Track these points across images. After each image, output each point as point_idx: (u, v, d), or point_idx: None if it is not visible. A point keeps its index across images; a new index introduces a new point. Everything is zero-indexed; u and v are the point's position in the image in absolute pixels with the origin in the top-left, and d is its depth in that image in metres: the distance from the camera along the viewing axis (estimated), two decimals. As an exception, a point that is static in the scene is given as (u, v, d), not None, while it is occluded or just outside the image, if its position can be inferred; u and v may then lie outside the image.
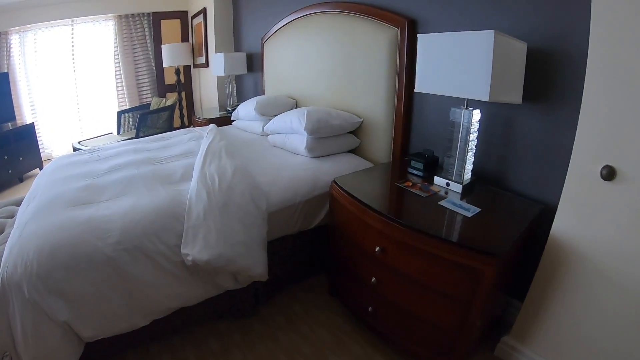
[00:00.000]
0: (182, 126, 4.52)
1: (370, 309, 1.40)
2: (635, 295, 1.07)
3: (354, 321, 1.61)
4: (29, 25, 3.89)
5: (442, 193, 1.43)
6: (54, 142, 4.45)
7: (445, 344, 1.20)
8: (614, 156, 1.07)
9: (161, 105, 4.20)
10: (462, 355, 1.20)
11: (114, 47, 4.42)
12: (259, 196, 1.48)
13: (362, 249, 1.38)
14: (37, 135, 3.88)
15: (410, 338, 1.31)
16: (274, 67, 2.89)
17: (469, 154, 1.41)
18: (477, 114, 1.36)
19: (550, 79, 1.30)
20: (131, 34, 4.44)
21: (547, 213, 1.30)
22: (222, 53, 3.22)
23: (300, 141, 1.90)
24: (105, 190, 1.58)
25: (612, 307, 1.13)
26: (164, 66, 4.42)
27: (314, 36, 2.33)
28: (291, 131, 1.98)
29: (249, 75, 3.52)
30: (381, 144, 1.94)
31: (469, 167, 1.43)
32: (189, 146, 2.16)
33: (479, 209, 1.28)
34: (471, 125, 1.36)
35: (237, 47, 3.76)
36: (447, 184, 1.46)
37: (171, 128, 4.03)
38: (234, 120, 2.85)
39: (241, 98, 3.70)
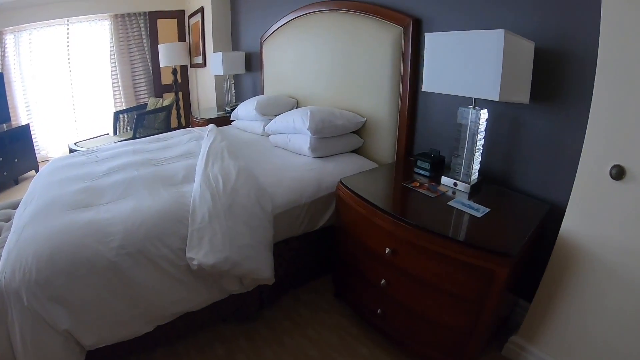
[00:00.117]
0: (180, 126, 4.45)
1: (379, 310, 1.37)
2: (644, 294, 1.06)
3: (360, 323, 1.57)
4: (23, 25, 3.80)
5: (449, 193, 1.41)
6: (49, 144, 4.35)
7: (456, 345, 1.18)
8: (623, 156, 1.06)
9: (158, 106, 4.14)
10: (473, 356, 1.18)
11: (110, 46, 4.34)
12: (264, 198, 1.44)
13: (371, 250, 1.35)
14: (33, 136, 3.80)
15: (420, 340, 1.29)
16: (273, 67, 2.84)
17: (476, 153, 1.39)
18: (484, 114, 1.34)
19: (557, 78, 1.29)
20: (127, 33, 4.36)
21: (555, 212, 1.29)
22: (221, 52, 3.17)
23: (303, 141, 1.86)
24: (104, 192, 1.53)
25: (620, 306, 1.12)
26: (160, 66, 4.34)
27: (315, 35, 2.29)
28: (294, 131, 1.94)
29: (248, 74, 3.48)
30: (385, 143, 1.91)
31: (476, 166, 1.41)
32: (189, 147, 2.11)
33: (488, 209, 1.26)
34: (479, 124, 1.35)
35: (235, 47, 3.71)
36: (455, 184, 1.44)
37: (168, 128, 3.97)
38: (233, 121, 2.80)
39: (239, 98, 3.65)
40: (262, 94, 3.08)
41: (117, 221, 1.27)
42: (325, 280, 1.84)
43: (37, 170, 3.82)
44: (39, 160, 3.92)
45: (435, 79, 1.35)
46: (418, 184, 1.49)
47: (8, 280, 1.10)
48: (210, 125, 2.40)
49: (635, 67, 1.00)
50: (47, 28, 3.98)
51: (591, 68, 1.13)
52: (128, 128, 4.47)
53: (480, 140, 1.38)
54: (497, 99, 1.15)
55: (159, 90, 4.72)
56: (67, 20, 4.04)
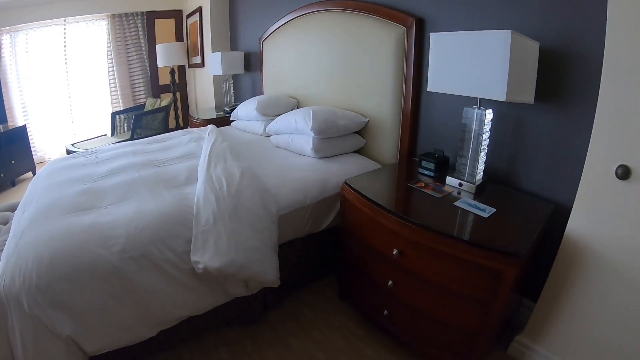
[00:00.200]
0: (178, 127, 4.40)
1: (385, 312, 1.36)
2: (650, 294, 1.06)
3: (366, 324, 1.56)
4: (20, 25, 3.73)
5: (454, 193, 1.40)
6: (46, 145, 4.29)
7: (464, 345, 1.18)
8: (629, 156, 1.06)
9: (156, 106, 4.08)
10: (480, 357, 1.17)
11: (107, 47, 4.28)
12: (269, 199, 1.42)
13: (378, 251, 1.33)
14: (29, 137, 3.73)
15: (427, 340, 1.28)
16: (273, 67, 2.81)
17: (481, 153, 1.38)
18: (489, 114, 1.33)
19: (561, 78, 1.28)
20: (125, 33, 4.30)
21: (559, 212, 1.29)
22: (220, 52, 3.13)
23: (305, 142, 1.84)
24: (105, 195, 1.50)
25: (625, 305, 1.12)
26: (158, 66, 4.29)
27: (316, 35, 2.27)
28: (296, 131, 1.91)
29: (247, 74, 3.44)
30: (387, 144, 1.89)
31: (480, 167, 1.40)
32: (190, 148, 2.08)
33: (494, 209, 1.25)
34: (484, 125, 1.34)
35: (234, 47, 3.67)
36: (460, 184, 1.43)
37: (166, 129, 3.92)
38: (233, 121, 2.77)
39: (238, 98, 3.61)
40: (262, 94, 3.05)
41: (119, 224, 1.23)
42: (329, 281, 1.82)
43: (34, 172, 3.76)
44: (35, 162, 3.86)
45: (440, 79, 1.34)
46: (423, 185, 1.47)
47: (8, 285, 1.07)
48: (210, 126, 2.37)
49: (641, 69, 1.00)
50: (44, 28, 3.91)
51: (596, 68, 1.13)
52: (125, 129, 4.41)
53: (485, 140, 1.36)
54: (503, 99, 1.14)
55: (156, 90, 4.66)
56: (64, 20, 3.97)
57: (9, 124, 3.74)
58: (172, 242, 1.22)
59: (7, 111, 3.71)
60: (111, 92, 4.45)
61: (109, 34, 4.22)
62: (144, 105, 4.31)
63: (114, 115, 4.14)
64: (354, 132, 1.96)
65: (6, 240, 1.57)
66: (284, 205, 1.47)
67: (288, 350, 1.44)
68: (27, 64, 3.96)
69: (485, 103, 1.31)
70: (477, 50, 1.18)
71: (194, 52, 4.19)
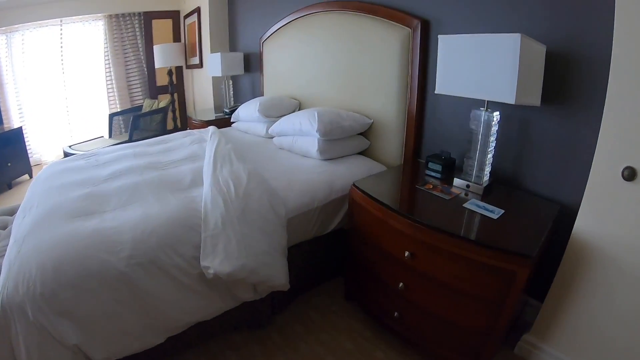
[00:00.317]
0: (175, 128, 4.34)
1: (396, 313, 1.35)
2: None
3: (373, 326, 1.54)
4: (16, 26, 3.63)
5: (462, 195, 1.39)
6: (42, 147, 4.19)
7: (474, 346, 1.17)
8: (635, 157, 1.06)
9: (154, 107, 4.02)
10: (489, 356, 1.17)
11: (104, 47, 4.19)
12: (277, 202, 1.39)
13: (388, 253, 1.31)
14: (25, 139, 3.65)
15: (438, 342, 1.27)
16: (274, 68, 2.77)
17: (488, 155, 1.38)
18: (496, 116, 1.33)
19: (566, 81, 1.28)
20: (122, 34, 4.22)
21: (564, 213, 1.29)
22: (219, 53, 3.08)
23: (310, 143, 1.81)
24: (108, 198, 1.45)
25: (631, 304, 1.12)
26: (156, 67, 4.23)
27: (318, 35, 2.24)
28: (300, 133, 1.88)
29: (246, 75, 3.40)
30: (392, 145, 1.87)
31: (487, 168, 1.40)
32: (192, 149, 2.04)
33: (503, 211, 1.25)
34: (491, 127, 1.34)
35: (233, 47, 3.63)
36: (468, 186, 1.42)
37: (164, 130, 3.86)
38: (233, 122, 2.73)
39: (238, 99, 3.57)
40: (262, 95, 3.01)
41: (125, 229, 1.19)
42: (335, 283, 1.80)
43: (30, 175, 3.67)
44: (32, 164, 3.77)
45: (448, 81, 1.34)
46: (431, 186, 1.46)
47: (11, 294, 1.03)
48: (211, 127, 2.33)
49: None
50: (40, 28, 3.82)
51: (601, 71, 1.15)
52: (123, 130, 4.34)
53: (492, 142, 1.36)
54: (513, 102, 1.14)
55: (154, 91, 4.59)
56: (61, 21, 3.88)
57: (5, 125, 3.64)
58: (181, 247, 1.18)
59: (2, 113, 3.62)
60: (108, 93, 4.37)
61: (105, 35, 4.14)
62: (141, 106, 4.24)
63: (111, 116, 4.07)
64: (358, 134, 1.94)
65: (6, 246, 1.52)
66: (292, 208, 1.44)
67: (297, 354, 1.41)
68: (23, 65, 3.86)
69: (491, 105, 1.30)
70: (486, 52, 1.18)
71: (191, 53, 4.13)
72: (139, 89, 4.52)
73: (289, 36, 2.53)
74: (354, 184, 1.46)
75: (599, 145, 1.13)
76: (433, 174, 1.56)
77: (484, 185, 1.39)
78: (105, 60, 4.24)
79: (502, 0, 1.41)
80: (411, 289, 1.27)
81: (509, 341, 1.40)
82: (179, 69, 4.55)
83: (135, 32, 4.29)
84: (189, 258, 1.18)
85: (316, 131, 1.73)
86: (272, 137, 2.20)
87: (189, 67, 4.34)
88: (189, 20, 4.03)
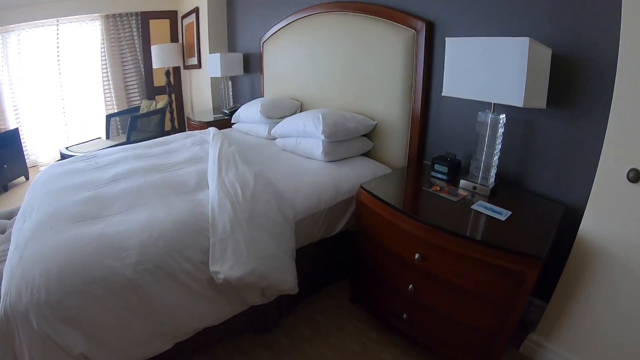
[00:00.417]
0: (173, 129, 4.28)
1: (405, 315, 1.34)
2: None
3: (380, 328, 1.53)
4: (12, 26, 3.54)
5: (469, 197, 1.38)
6: (39, 148, 4.10)
7: (483, 346, 1.18)
8: None
9: (151, 108, 3.95)
10: (498, 356, 1.17)
11: (101, 48, 4.11)
12: (285, 205, 1.36)
13: (397, 255, 1.30)
14: (22, 141, 3.56)
15: (446, 342, 1.27)
16: (275, 68, 2.74)
17: (494, 157, 1.38)
18: (503, 118, 1.33)
19: (571, 83, 1.28)
20: (119, 34, 4.15)
21: (569, 214, 1.30)
22: (219, 53, 3.04)
23: (315, 145, 1.79)
24: (112, 202, 1.41)
25: (636, 304, 1.13)
26: (153, 67, 4.16)
27: (321, 36, 2.21)
28: (304, 135, 1.86)
29: (246, 76, 3.36)
30: (396, 147, 1.85)
31: (493, 170, 1.40)
32: (194, 151, 2.00)
33: (510, 212, 1.24)
34: (498, 129, 1.34)
35: (232, 48, 3.58)
36: (474, 188, 1.41)
37: (162, 131, 3.80)
38: (233, 124, 2.69)
39: (237, 100, 3.53)
40: (262, 96, 2.98)
41: (131, 234, 1.16)
42: (339, 285, 1.78)
43: (27, 177, 3.59)
44: (28, 166, 3.69)
45: (456, 84, 1.34)
46: (438, 188, 1.45)
47: (14, 302, 0.99)
48: (212, 129, 2.29)
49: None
50: (37, 28, 3.73)
51: (606, 73, 1.16)
52: (120, 132, 4.27)
53: (498, 144, 1.36)
54: (521, 105, 1.14)
55: (151, 92, 4.52)
56: (57, 21, 3.80)
57: (0, 127, 3.56)
58: (188, 251, 1.15)
59: (-2, 114, 3.54)
60: (105, 94, 4.29)
61: (102, 35, 4.06)
62: (138, 107, 4.17)
63: (108, 117, 3.99)
64: (361, 135, 1.92)
65: (6, 251, 1.48)
66: (299, 210, 1.42)
67: (305, 357, 1.40)
68: (19, 65, 3.77)
69: (496, 107, 1.30)
70: (494, 56, 1.18)
71: (189, 53, 4.08)
72: (136, 90, 4.45)
73: (290, 37, 2.49)
74: (361, 186, 1.44)
75: (605, 148, 1.14)
76: (439, 175, 1.55)
77: (490, 187, 1.38)
78: (102, 60, 4.16)
79: (506, 3, 1.41)
80: (421, 290, 1.26)
81: (514, 341, 1.40)
82: (176, 70, 4.49)
83: (132, 33, 4.21)
84: (197, 263, 1.16)
85: (321, 133, 1.71)
86: (274, 139, 2.18)
87: (186, 67, 4.28)
88: (187, 21, 3.97)
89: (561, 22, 1.27)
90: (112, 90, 4.28)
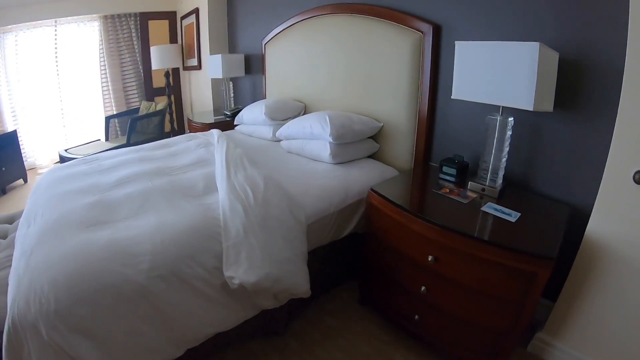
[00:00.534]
0: (173, 131, 4.22)
1: (416, 317, 1.33)
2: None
3: (390, 329, 1.51)
4: (9, 26, 3.44)
5: (478, 199, 1.37)
6: (37, 151, 3.99)
7: (494, 345, 1.18)
8: None
9: (151, 110, 3.88)
10: (508, 356, 1.18)
11: (100, 49, 4.02)
12: (297, 208, 1.33)
13: (410, 257, 1.29)
14: (20, 143, 3.47)
15: (458, 343, 1.26)
16: (277, 70, 2.69)
17: (502, 159, 1.37)
18: (511, 121, 1.33)
19: (577, 87, 1.29)
20: (117, 35, 4.06)
21: (575, 215, 1.31)
22: (220, 55, 2.99)
23: (322, 147, 1.76)
24: (119, 207, 1.37)
25: None
26: (152, 68, 4.08)
27: (325, 38, 2.18)
28: (310, 137, 1.83)
29: (247, 77, 3.31)
30: (402, 149, 1.83)
31: (501, 172, 1.39)
32: (199, 154, 1.95)
33: (519, 214, 1.24)
34: (506, 132, 1.34)
35: (232, 49, 3.53)
36: (483, 190, 1.41)
37: (162, 133, 3.74)
38: (236, 125, 2.65)
39: (238, 101, 3.48)
40: (263, 97, 2.94)
41: (142, 240, 1.12)
42: (347, 287, 1.76)
43: (25, 179, 3.50)
44: (26, 168, 3.60)
45: (465, 87, 1.33)
46: (448, 190, 1.43)
47: (22, 312, 0.95)
48: (215, 131, 2.25)
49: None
50: (34, 29, 3.63)
51: (613, 77, 1.16)
52: (119, 133, 4.18)
53: (506, 147, 1.36)
54: (531, 109, 1.14)
55: (150, 93, 4.44)
56: (55, 22, 3.70)
57: (-3, 129, 3.47)
58: (202, 257, 1.12)
59: (-5, 116, 3.44)
60: (104, 95, 4.20)
61: (101, 36, 3.97)
62: (137, 109, 4.09)
63: (108, 119, 3.92)
64: (367, 137, 1.90)
65: (9, 256, 1.43)
66: (310, 213, 1.39)
67: (316, 361, 1.37)
68: (16, 67, 3.66)
69: (504, 110, 1.30)
70: (504, 60, 1.18)
71: (189, 55, 4.01)
72: (135, 91, 4.37)
73: (293, 38, 2.46)
74: (372, 189, 1.42)
75: (612, 150, 1.15)
76: (447, 177, 1.54)
77: (499, 188, 1.38)
78: (101, 61, 4.07)
79: (511, 7, 1.40)
80: (433, 292, 1.26)
81: (521, 340, 1.40)
82: (175, 71, 4.42)
83: (131, 33, 4.13)
84: (210, 268, 1.12)
85: (329, 135, 1.68)
86: (279, 141, 2.14)
87: (186, 68, 4.22)
88: (186, 22, 3.91)
89: (567, 25, 1.27)
90: (110, 92, 4.19)
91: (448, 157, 1.59)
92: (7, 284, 1.18)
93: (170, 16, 4.23)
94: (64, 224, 1.25)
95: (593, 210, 1.21)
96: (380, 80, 1.87)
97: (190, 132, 3.15)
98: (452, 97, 1.37)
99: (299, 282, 1.23)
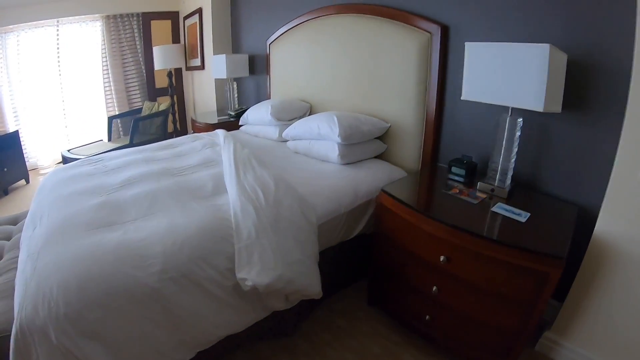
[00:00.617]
0: (175, 131, 4.17)
1: (427, 317, 1.31)
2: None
3: (399, 330, 1.49)
4: (11, 26, 3.38)
5: (487, 199, 1.36)
6: (39, 151, 3.93)
7: (505, 345, 1.17)
8: None
9: (154, 110, 3.83)
10: (518, 355, 1.16)
11: (102, 49, 3.97)
12: (308, 209, 1.30)
13: (421, 258, 1.27)
14: (22, 143, 3.41)
15: (468, 342, 1.25)
16: (282, 70, 2.66)
17: (511, 160, 1.36)
18: (520, 122, 1.32)
19: (585, 88, 1.28)
20: (120, 35, 4.01)
21: (583, 215, 1.31)
22: (224, 55, 2.95)
23: (330, 148, 1.73)
24: (127, 208, 1.33)
25: None
26: (155, 69, 4.03)
27: (331, 38, 2.14)
28: (318, 137, 1.80)
29: (251, 78, 3.27)
30: (409, 149, 1.80)
31: (510, 172, 1.38)
32: (206, 154, 1.92)
33: (529, 214, 1.23)
34: (515, 132, 1.32)
35: (236, 49, 3.49)
36: (492, 190, 1.39)
37: (165, 134, 3.69)
38: (241, 125, 2.61)
39: (242, 102, 3.45)
40: (268, 98, 2.90)
41: (153, 242, 1.09)
42: (355, 288, 1.73)
43: (27, 180, 3.45)
44: (28, 169, 3.55)
45: (475, 88, 1.32)
46: (458, 191, 1.41)
47: (30, 316, 0.91)
48: (221, 131, 2.21)
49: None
50: (36, 29, 3.56)
51: (621, 79, 1.16)
52: (121, 134, 4.14)
53: (515, 147, 1.35)
54: (541, 110, 1.14)
55: (152, 94, 4.39)
56: (57, 21, 3.64)
57: (0, 130, 3.41)
58: (214, 258, 1.09)
59: (-3, 116, 3.38)
60: (106, 95, 4.14)
61: (103, 36, 3.91)
62: (140, 109, 4.04)
63: (110, 119, 3.87)
64: (374, 138, 1.87)
65: (14, 258, 1.39)
66: (321, 214, 1.36)
67: (327, 362, 1.35)
68: (18, 67, 3.60)
69: (513, 111, 1.29)
70: (514, 61, 1.18)
71: (192, 55, 3.97)
72: (138, 92, 4.32)
73: (299, 38, 2.42)
74: (383, 190, 1.39)
75: (620, 151, 1.15)
76: (456, 178, 1.52)
77: (507, 189, 1.37)
78: (103, 61, 4.02)
79: (519, 8, 1.39)
80: (444, 292, 1.24)
81: (529, 339, 1.39)
82: (177, 71, 4.37)
83: (133, 33, 4.08)
84: (222, 270, 1.09)
85: (337, 135, 1.65)
86: (285, 141, 2.11)
87: (188, 69, 4.17)
88: (189, 22, 3.86)
89: (575, 27, 1.26)
90: (113, 92, 4.14)
91: (457, 158, 1.57)
92: (13, 287, 1.15)
93: (172, 16, 4.18)
94: (71, 226, 1.21)
95: (601, 210, 1.20)
96: (386, 80, 1.85)
97: (194, 132, 3.11)
98: (461, 98, 1.35)
99: (311, 284, 1.20)
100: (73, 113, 4.07)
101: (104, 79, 4.08)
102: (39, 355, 0.90)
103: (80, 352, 0.92)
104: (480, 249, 1.10)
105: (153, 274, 1.00)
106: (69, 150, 3.29)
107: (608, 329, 1.23)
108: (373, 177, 1.62)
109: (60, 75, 3.88)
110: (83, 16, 3.70)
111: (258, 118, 2.35)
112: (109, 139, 3.83)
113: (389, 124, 1.86)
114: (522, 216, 1.22)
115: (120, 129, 4.14)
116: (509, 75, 1.19)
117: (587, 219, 1.27)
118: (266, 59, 2.85)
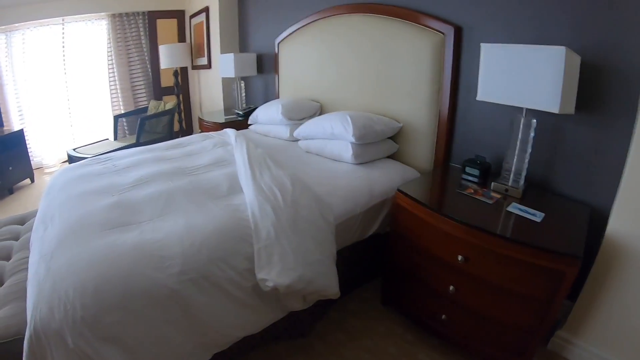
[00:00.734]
0: (182, 130, 4.11)
1: (443, 316, 1.29)
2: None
3: (414, 329, 1.46)
4: (16, 25, 3.30)
5: (501, 199, 1.33)
6: (44, 150, 3.86)
7: (520, 343, 1.16)
8: None
9: (160, 109, 3.76)
10: (533, 353, 1.15)
11: (108, 47, 3.90)
12: (325, 209, 1.26)
13: (439, 258, 1.25)
14: (27, 142, 3.35)
15: (484, 341, 1.23)
16: (291, 69, 2.60)
17: (525, 160, 1.34)
18: (534, 123, 1.30)
19: (598, 90, 1.26)
20: (125, 34, 3.94)
21: (594, 215, 1.29)
22: (232, 54, 2.89)
23: (343, 147, 1.68)
24: (141, 208, 1.28)
25: None
26: (161, 67, 3.97)
27: (341, 38, 2.10)
28: (331, 137, 1.75)
29: (259, 77, 3.21)
30: (422, 150, 1.76)
31: (524, 173, 1.36)
32: (218, 154, 1.86)
33: (543, 214, 1.21)
34: (529, 133, 1.31)
35: (243, 48, 3.43)
36: (506, 190, 1.36)
37: (172, 133, 3.64)
38: (250, 125, 2.56)
39: (250, 101, 3.39)
40: (276, 97, 2.85)
41: (171, 242, 1.04)
42: (368, 288, 1.69)
43: (32, 179, 3.38)
44: (33, 168, 3.47)
45: (490, 89, 1.30)
46: (472, 191, 1.38)
47: (46, 319, 0.87)
48: (231, 130, 2.16)
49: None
50: (42, 28, 3.49)
51: (634, 81, 1.15)
52: (127, 133, 4.07)
53: (529, 148, 1.32)
54: (557, 112, 1.12)
55: (158, 93, 4.32)
56: (63, 20, 3.57)
57: (5, 128, 3.33)
58: (233, 259, 1.05)
59: (2, 115, 3.30)
60: (111, 94, 4.07)
61: (109, 34, 3.84)
62: (146, 108, 3.97)
63: (116, 118, 3.80)
64: (387, 138, 1.83)
65: (24, 259, 1.34)
66: (338, 214, 1.32)
67: (343, 363, 1.31)
68: (23, 65, 3.52)
69: (527, 112, 1.27)
70: (530, 63, 1.16)
71: (198, 54, 3.90)
72: (143, 90, 4.25)
73: (308, 37, 2.37)
74: (399, 189, 1.36)
75: (632, 152, 1.14)
76: (470, 178, 1.49)
77: (521, 189, 1.34)
78: (109, 60, 3.95)
79: (532, 10, 1.36)
80: (462, 291, 1.22)
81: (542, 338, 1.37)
82: (183, 70, 4.30)
83: (139, 32, 4.01)
84: (241, 270, 1.05)
85: (352, 135, 1.61)
86: (295, 140, 2.07)
87: (195, 67, 4.11)
88: (195, 20, 3.80)
89: (587, 29, 1.25)
90: (118, 91, 4.07)
91: (470, 158, 1.54)
92: (24, 289, 1.10)
93: (178, 15, 4.11)
94: (84, 226, 1.16)
95: (613, 210, 1.20)
96: (397, 80, 1.81)
97: (201, 131, 3.06)
98: (477, 98, 1.33)
99: (330, 284, 1.16)
100: (78, 112, 4.00)
101: (109, 77, 4.01)
102: (55, 359, 0.86)
103: (98, 356, 0.88)
104: (497, 248, 1.09)
105: (172, 275, 0.96)
106: (74, 149, 3.22)
107: (620, 328, 1.22)
108: (387, 177, 1.58)
109: (65, 73, 3.81)
110: (89, 14, 3.63)
111: (268, 117, 2.30)
112: (115, 138, 3.77)
113: (401, 124, 1.82)
114: (537, 216, 1.20)
115: (126, 128, 4.07)
116: (524, 77, 1.17)
117: (598, 219, 1.26)
118: (275, 58, 2.80)
